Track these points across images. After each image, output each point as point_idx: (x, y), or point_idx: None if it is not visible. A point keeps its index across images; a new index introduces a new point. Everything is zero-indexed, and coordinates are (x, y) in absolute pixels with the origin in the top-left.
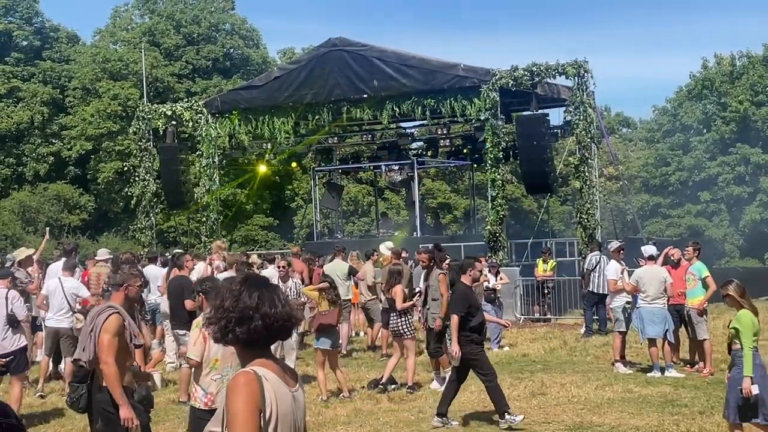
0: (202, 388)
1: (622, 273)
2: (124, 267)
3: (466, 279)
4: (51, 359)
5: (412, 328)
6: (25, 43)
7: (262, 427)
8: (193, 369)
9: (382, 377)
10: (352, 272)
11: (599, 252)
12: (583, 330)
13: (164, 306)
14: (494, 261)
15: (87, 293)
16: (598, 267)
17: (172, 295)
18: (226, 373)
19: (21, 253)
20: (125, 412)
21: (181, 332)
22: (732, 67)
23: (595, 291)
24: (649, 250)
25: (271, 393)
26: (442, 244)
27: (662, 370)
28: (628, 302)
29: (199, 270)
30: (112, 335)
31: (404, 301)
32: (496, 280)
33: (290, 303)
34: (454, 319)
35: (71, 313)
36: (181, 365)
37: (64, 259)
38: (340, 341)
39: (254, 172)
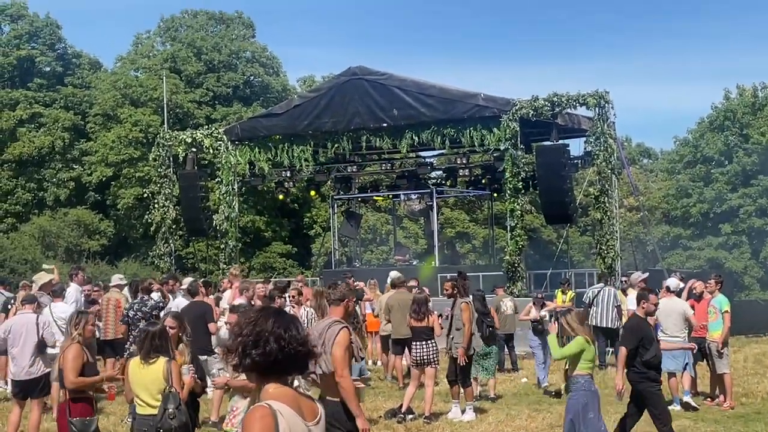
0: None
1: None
2: (342, 283)
3: (639, 311)
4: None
5: (438, 356)
6: (47, 69)
7: None
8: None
9: (400, 407)
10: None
11: (603, 284)
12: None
13: None
14: (539, 294)
15: None
16: (595, 300)
17: (190, 322)
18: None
19: (41, 277)
20: (362, 423)
21: (202, 358)
22: (754, 98)
23: (595, 324)
24: (670, 283)
25: (285, 428)
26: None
27: (685, 405)
28: None
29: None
30: (344, 349)
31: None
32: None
33: (307, 333)
34: (622, 351)
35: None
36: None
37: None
38: (367, 371)
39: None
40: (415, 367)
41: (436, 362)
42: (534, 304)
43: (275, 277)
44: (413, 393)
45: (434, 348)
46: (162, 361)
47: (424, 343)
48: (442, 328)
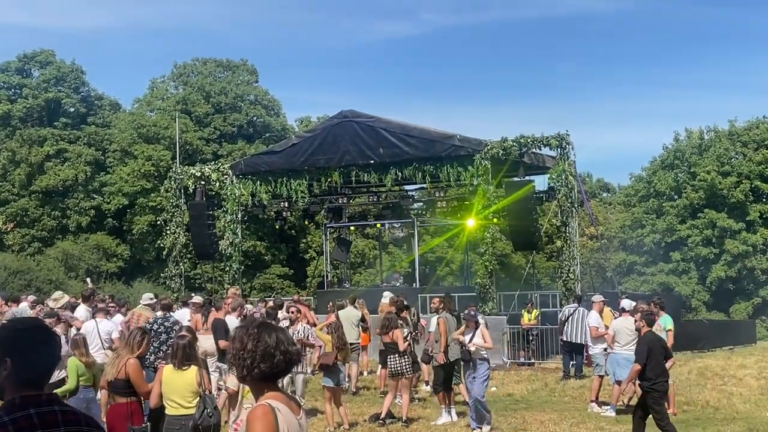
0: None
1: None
2: None
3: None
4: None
5: (411, 368)
6: (72, 109)
7: None
8: (229, 396)
9: (381, 412)
10: (363, 320)
11: (577, 304)
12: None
13: (205, 344)
14: (472, 312)
15: (116, 335)
16: (570, 318)
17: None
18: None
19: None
20: None
21: (224, 366)
22: (700, 140)
23: (566, 340)
24: (624, 304)
25: (283, 422)
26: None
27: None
28: (604, 349)
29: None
30: None
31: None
32: (472, 338)
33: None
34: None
35: (103, 350)
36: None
37: (81, 303)
38: (346, 380)
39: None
40: (392, 378)
41: (410, 373)
42: (467, 325)
43: (273, 297)
44: (391, 401)
45: (408, 361)
46: (194, 368)
47: (398, 356)
48: (406, 341)
